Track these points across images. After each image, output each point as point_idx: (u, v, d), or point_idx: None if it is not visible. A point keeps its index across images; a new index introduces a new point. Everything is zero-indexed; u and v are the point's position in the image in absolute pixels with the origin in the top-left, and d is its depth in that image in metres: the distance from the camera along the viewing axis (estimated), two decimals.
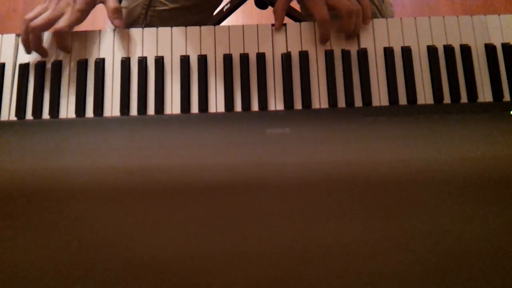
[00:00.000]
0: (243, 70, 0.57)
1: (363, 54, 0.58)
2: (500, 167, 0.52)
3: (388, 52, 0.58)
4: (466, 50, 0.58)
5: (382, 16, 0.71)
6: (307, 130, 0.54)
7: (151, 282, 0.49)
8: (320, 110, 0.57)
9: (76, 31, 0.60)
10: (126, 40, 0.60)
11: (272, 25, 0.60)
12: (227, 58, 0.58)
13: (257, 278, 0.49)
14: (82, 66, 0.58)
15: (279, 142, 0.53)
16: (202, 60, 0.58)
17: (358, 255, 0.49)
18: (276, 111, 0.57)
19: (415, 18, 0.60)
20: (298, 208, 0.51)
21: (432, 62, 0.58)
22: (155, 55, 0.59)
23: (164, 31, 0.60)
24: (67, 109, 0.57)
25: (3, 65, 0.59)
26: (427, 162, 0.52)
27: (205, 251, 0.50)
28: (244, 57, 0.58)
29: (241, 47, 0.59)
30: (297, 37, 0.59)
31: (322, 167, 0.52)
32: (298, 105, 0.57)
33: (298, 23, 0.60)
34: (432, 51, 0.58)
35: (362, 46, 0.59)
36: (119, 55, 0.59)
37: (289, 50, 0.59)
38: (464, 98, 0.57)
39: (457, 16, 0.60)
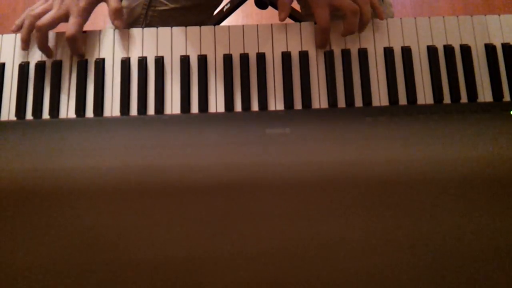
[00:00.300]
0: (243, 70, 0.57)
1: (363, 54, 0.58)
2: (500, 167, 0.52)
3: (388, 52, 0.58)
4: (466, 50, 0.58)
5: None
6: (307, 130, 0.54)
7: (151, 282, 0.49)
8: (320, 110, 0.57)
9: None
10: (126, 40, 0.59)
11: (273, 25, 0.60)
12: (227, 58, 0.58)
13: (257, 278, 0.49)
14: (82, 66, 0.58)
15: (279, 142, 0.53)
16: (202, 60, 0.58)
17: (358, 255, 0.49)
18: (276, 111, 0.57)
19: (415, 18, 0.60)
20: (298, 208, 0.51)
21: (432, 62, 0.58)
22: (155, 55, 0.59)
23: (164, 31, 0.60)
24: (67, 109, 0.57)
25: (3, 65, 0.59)
26: (427, 162, 0.52)
27: (205, 251, 0.50)
28: (244, 57, 0.58)
29: (241, 47, 0.59)
30: (297, 37, 0.59)
31: (322, 167, 0.52)
32: (298, 105, 0.57)
33: (298, 23, 0.60)
34: (432, 51, 0.58)
35: (362, 46, 0.59)
36: (119, 55, 0.59)
37: (289, 50, 0.59)
38: (464, 98, 0.57)
39: (457, 16, 0.60)
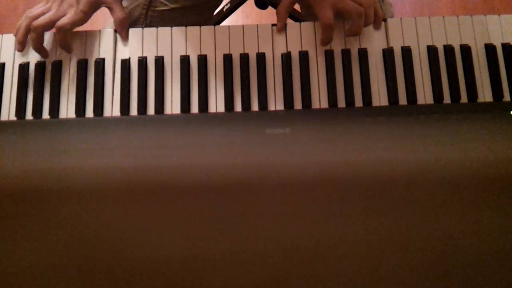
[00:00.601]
0: (243, 70, 0.57)
1: (363, 54, 0.58)
2: (500, 167, 0.52)
3: (388, 52, 0.58)
4: (466, 50, 0.58)
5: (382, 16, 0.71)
6: (307, 130, 0.54)
7: (152, 282, 0.49)
8: (320, 110, 0.57)
9: (76, 31, 0.60)
10: (126, 40, 0.60)
11: (273, 25, 0.60)
12: (227, 58, 0.58)
13: (257, 278, 0.49)
14: (82, 66, 0.58)
15: (279, 142, 0.53)
16: (202, 60, 0.58)
17: (358, 255, 0.49)
18: (276, 111, 0.57)
19: (415, 18, 0.60)
20: (298, 208, 0.51)
21: (432, 62, 0.58)
22: (155, 55, 0.59)
23: (164, 31, 0.60)
24: (67, 109, 0.57)
25: (3, 65, 0.59)
26: (427, 162, 0.52)
27: (205, 251, 0.50)
28: (244, 57, 0.58)
29: (241, 47, 0.59)
30: (297, 37, 0.59)
31: (322, 167, 0.52)
32: (298, 105, 0.57)
33: (298, 23, 0.60)
34: (432, 51, 0.58)
35: (362, 46, 0.59)
36: (119, 55, 0.59)
37: (289, 50, 0.59)
38: (464, 98, 0.57)
39: (457, 16, 0.60)
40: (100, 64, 0.58)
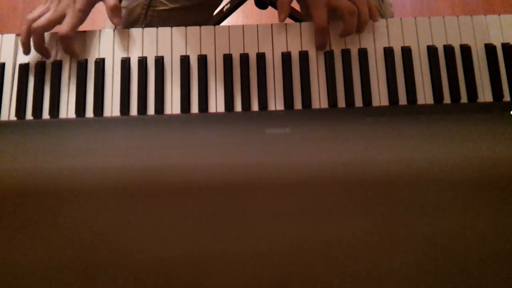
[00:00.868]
0: (243, 70, 0.57)
1: (363, 54, 0.58)
2: (500, 167, 0.52)
3: (388, 52, 0.58)
4: (466, 50, 0.58)
5: (382, 16, 0.71)
6: (307, 130, 0.54)
7: (152, 282, 0.49)
8: (320, 110, 0.57)
9: (76, 31, 0.60)
10: (126, 40, 0.59)
11: (273, 24, 0.60)
12: (227, 58, 0.58)
13: (257, 278, 0.49)
14: (82, 66, 0.58)
15: (279, 142, 0.53)
16: (202, 60, 0.58)
17: (358, 255, 0.49)
18: (276, 111, 0.56)
19: (415, 18, 0.60)
20: (298, 208, 0.51)
21: (432, 62, 0.58)
22: (155, 55, 0.59)
23: (164, 31, 0.60)
24: (67, 109, 0.57)
25: (3, 65, 0.59)
26: (427, 162, 0.52)
27: (205, 251, 0.50)
28: (244, 57, 0.58)
29: (241, 47, 0.59)
30: (297, 37, 0.59)
31: (322, 167, 0.52)
32: (298, 105, 0.57)
33: (298, 23, 0.60)
34: (432, 51, 0.58)
35: (362, 46, 0.59)
36: (119, 55, 0.59)
37: (289, 50, 0.59)
38: (464, 98, 0.57)
39: (457, 16, 0.60)
40: (100, 64, 0.58)
